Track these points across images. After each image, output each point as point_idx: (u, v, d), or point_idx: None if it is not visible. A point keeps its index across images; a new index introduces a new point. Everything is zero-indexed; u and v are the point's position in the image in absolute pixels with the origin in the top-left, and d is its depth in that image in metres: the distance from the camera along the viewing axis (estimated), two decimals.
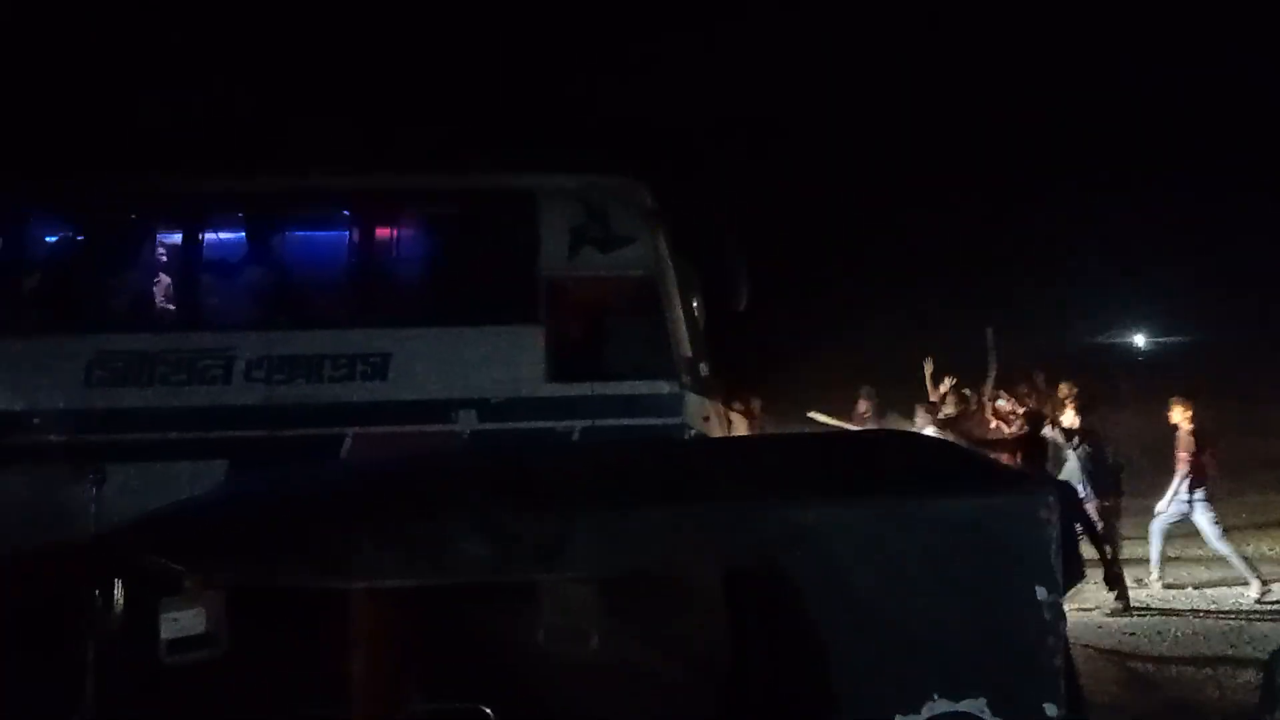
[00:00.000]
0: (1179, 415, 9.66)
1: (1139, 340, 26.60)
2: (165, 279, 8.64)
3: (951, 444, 4.73)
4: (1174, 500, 9.36)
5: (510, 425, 8.08)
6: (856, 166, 25.65)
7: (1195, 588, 9.19)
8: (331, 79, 21.58)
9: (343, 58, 22.10)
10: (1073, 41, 28.52)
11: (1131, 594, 8.98)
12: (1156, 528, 9.54)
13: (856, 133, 26.37)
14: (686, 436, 8.21)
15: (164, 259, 8.70)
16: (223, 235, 8.74)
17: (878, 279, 23.94)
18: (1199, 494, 9.27)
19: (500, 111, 23.94)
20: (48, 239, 8.82)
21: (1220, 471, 9.78)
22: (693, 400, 8.42)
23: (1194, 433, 9.50)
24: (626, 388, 8.23)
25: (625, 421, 8.07)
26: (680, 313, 8.58)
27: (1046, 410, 10.26)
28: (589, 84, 24.80)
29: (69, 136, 16.74)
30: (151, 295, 8.61)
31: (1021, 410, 10.32)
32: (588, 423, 8.10)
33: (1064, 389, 10.71)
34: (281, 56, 20.91)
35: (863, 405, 11.80)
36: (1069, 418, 9.88)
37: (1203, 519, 9.26)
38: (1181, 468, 9.37)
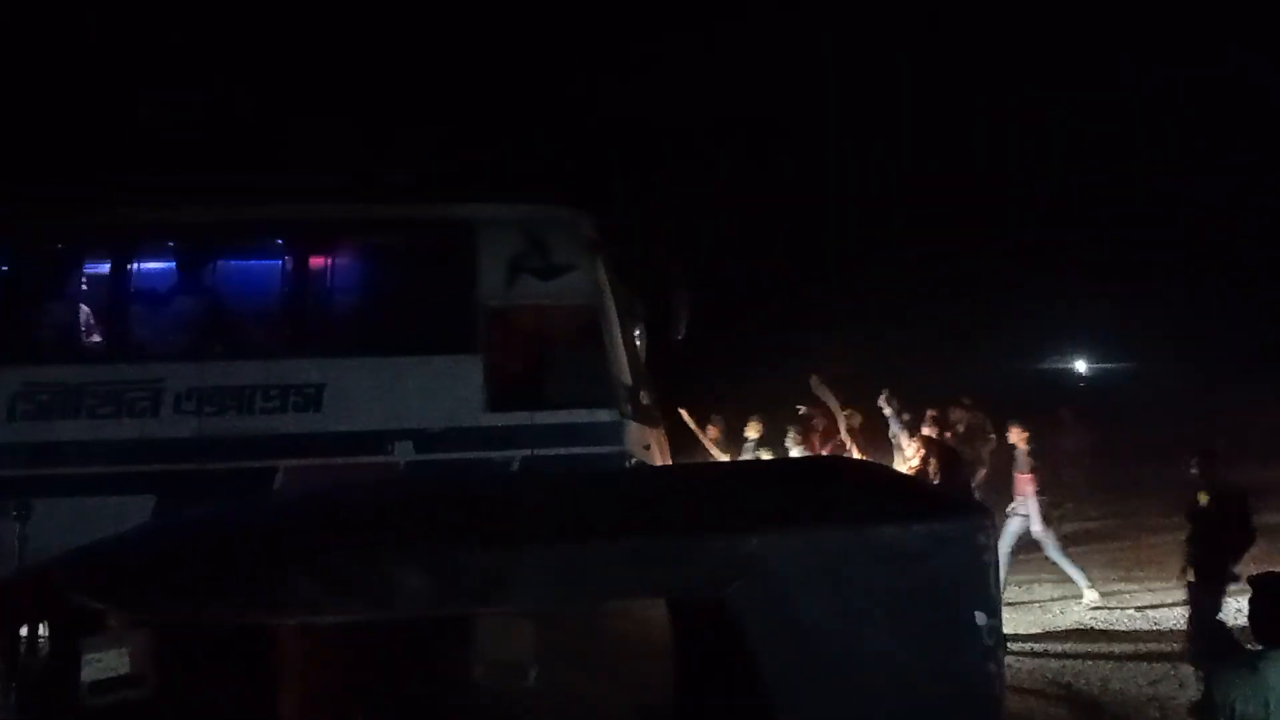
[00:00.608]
0: (1016, 437, 9.95)
1: (1080, 366, 27.17)
2: (92, 310, 8.42)
3: (891, 471, 4.77)
4: (1034, 515, 9.62)
5: (448, 456, 7.98)
6: (819, 192, 26.02)
7: (1136, 609, 9.33)
8: (331, 79, 21.46)
9: (342, 58, 22.00)
10: (1029, 73, 29.24)
11: (1073, 616, 9.15)
12: (1050, 552, 9.73)
13: (808, 161, 26.76)
14: (627, 465, 8.19)
15: (91, 289, 8.48)
16: (152, 265, 8.55)
17: (829, 309, 24.25)
18: (1024, 507, 9.59)
19: (499, 111, 23.96)
20: None
21: (1047, 493, 10.14)
22: (633, 429, 8.40)
23: (1031, 453, 9.80)
24: (566, 416, 8.18)
25: (565, 451, 8.02)
26: (620, 341, 8.57)
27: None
28: (589, 84, 24.92)
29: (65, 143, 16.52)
30: (78, 326, 8.38)
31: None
32: (527, 452, 8.03)
33: (955, 414, 10.88)
34: (281, 56, 20.74)
35: (712, 430, 11.76)
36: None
37: (1014, 527, 9.55)
38: (1030, 488, 9.65)
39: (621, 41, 26.27)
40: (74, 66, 18.68)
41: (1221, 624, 6.96)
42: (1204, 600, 6.90)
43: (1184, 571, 7.15)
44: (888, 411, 10.60)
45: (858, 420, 10.85)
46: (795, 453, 10.68)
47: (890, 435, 10.84)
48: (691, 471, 5.53)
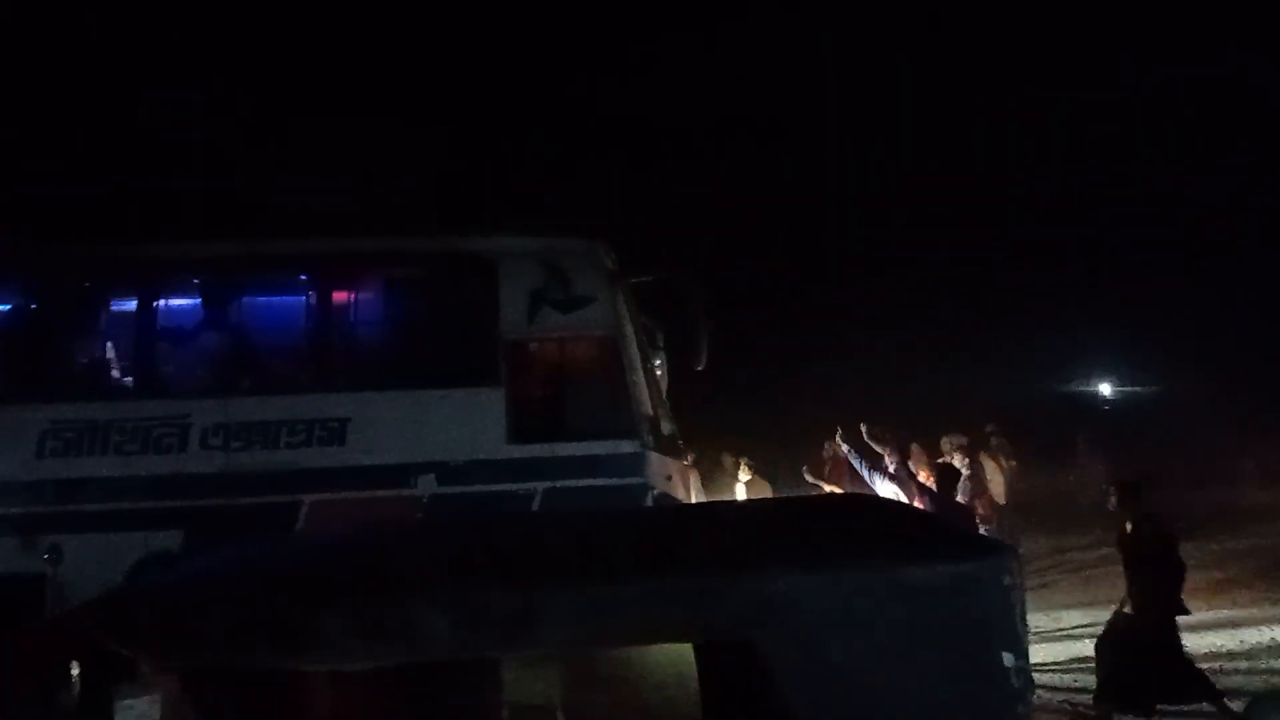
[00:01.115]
0: (959, 462, 9.85)
1: (1105, 389, 26.78)
2: (119, 346, 8.53)
3: (915, 509, 4.74)
4: None
5: (471, 488, 8.03)
6: (835, 208, 25.98)
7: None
8: (333, 78, 21.76)
9: (343, 57, 22.31)
10: (1052, 81, 29.07)
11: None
12: None
13: (825, 178, 26.73)
14: (649, 496, 8.19)
15: (118, 326, 8.60)
16: (178, 301, 8.66)
17: (847, 330, 24.12)
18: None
19: (501, 111, 24.20)
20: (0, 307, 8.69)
21: (994, 514, 10.01)
22: (655, 460, 8.41)
23: (970, 478, 9.71)
24: (588, 448, 8.22)
25: (587, 482, 8.05)
26: (641, 372, 8.60)
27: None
28: (589, 84, 25.13)
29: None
30: (105, 363, 8.50)
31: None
32: (549, 484, 8.07)
33: (947, 444, 10.82)
34: (283, 57, 21.04)
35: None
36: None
37: None
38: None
39: (622, 42, 26.49)
40: (76, 71, 19.02)
41: (1181, 658, 6.81)
42: (1154, 636, 6.77)
43: (1123, 604, 7.05)
44: (844, 449, 10.45)
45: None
46: (741, 487, 10.54)
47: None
48: (716, 509, 5.52)
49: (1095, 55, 29.12)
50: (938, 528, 3.07)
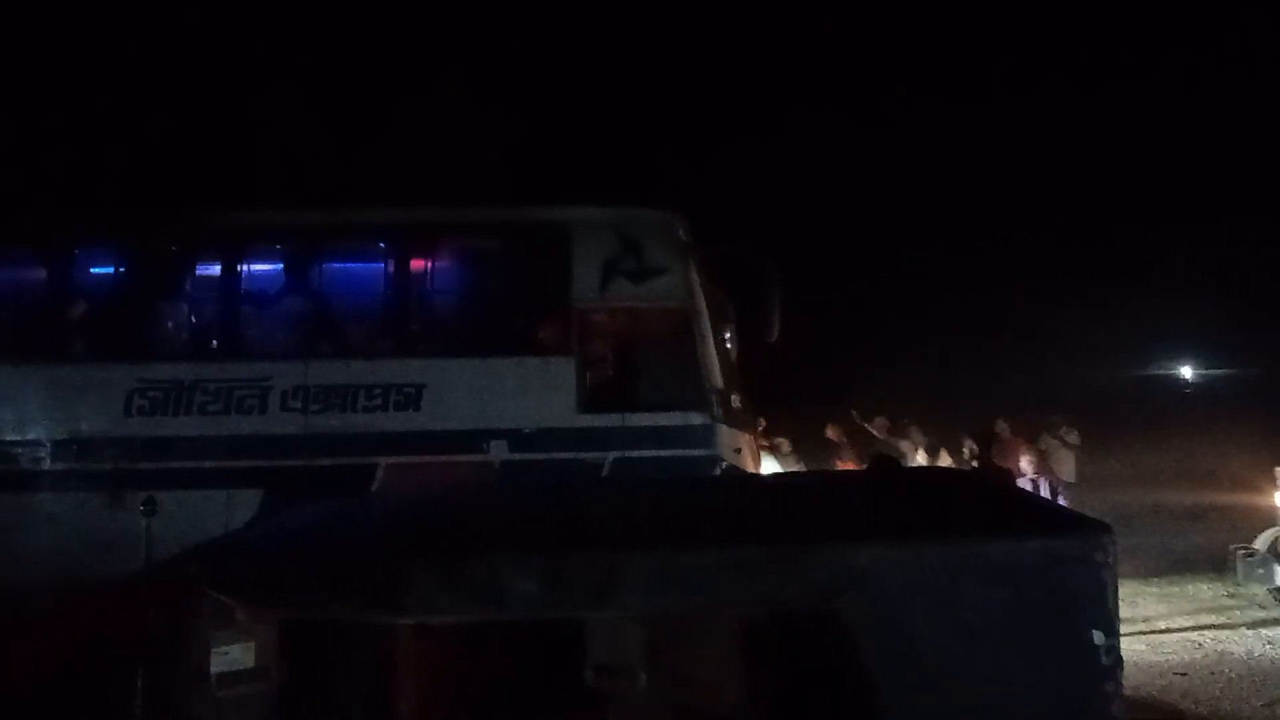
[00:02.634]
0: (916, 438, 9.61)
1: (1186, 371, 25.88)
2: (204, 309, 8.74)
3: (1006, 485, 4.67)
4: None
5: (542, 456, 8.10)
6: (911, 194, 25.64)
7: (1248, 626, 8.95)
8: (336, 75, 22.10)
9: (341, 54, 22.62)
10: (1124, 70, 28.28)
11: (1181, 633, 8.90)
12: None
13: (910, 157, 26.29)
14: (718, 468, 8.20)
15: (203, 290, 8.80)
16: (261, 267, 8.83)
17: (929, 312, 23.76)
18: None
19: (509, 108, 24.38)
20: (91, 270, 8.95)
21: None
22: (724, 432, 8.40)
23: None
24: (658, 419, 8.24)
25: (656, 453, 8.07)
26: (712, 344, 8.58)
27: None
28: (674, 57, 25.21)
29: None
30: (190, 325, 8.71)
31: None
32: (619, 453, 8.10)
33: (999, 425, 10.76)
34: (298, 59, 21.41)
35: None
36: None
37: None
38: None
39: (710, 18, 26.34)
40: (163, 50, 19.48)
41: None
42: None
43: None
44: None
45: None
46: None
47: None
48: (800, 481, 5.51)
49: (1164, 37, 28.23)
50: (1029, 504, 3.03)
